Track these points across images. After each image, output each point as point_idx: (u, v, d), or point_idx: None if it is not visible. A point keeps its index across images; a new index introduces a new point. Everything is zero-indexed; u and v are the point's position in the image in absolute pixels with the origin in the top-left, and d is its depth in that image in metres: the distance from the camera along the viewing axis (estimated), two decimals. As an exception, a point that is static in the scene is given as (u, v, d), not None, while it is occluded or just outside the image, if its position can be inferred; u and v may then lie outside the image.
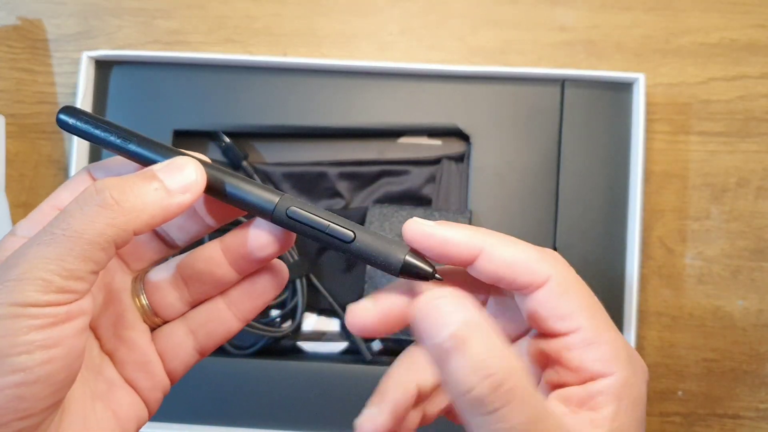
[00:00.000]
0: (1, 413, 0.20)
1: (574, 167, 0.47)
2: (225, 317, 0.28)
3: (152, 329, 0.28)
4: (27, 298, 0.21)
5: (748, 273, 0.49)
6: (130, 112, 0.48)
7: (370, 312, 0.25)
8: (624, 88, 0.48)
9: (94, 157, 0.48)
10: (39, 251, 0.21)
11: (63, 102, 0.50)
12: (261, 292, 0.28)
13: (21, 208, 0.50)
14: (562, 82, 0.48)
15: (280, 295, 0.47)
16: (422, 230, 0.24)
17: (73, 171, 0.46)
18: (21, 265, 0.21)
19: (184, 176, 0.23)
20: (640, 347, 0.49)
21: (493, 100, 0.47)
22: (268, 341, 0.47)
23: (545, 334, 0.25)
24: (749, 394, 0.49)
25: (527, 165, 0.47)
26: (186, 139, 0.49)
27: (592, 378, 0.23)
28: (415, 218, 0.25)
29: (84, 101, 0.47)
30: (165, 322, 0.28)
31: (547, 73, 0.47)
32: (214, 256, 0.27)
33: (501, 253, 0.24)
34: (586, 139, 0.47)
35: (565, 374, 0.24)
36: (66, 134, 0.50)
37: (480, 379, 0.20)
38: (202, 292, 0.28)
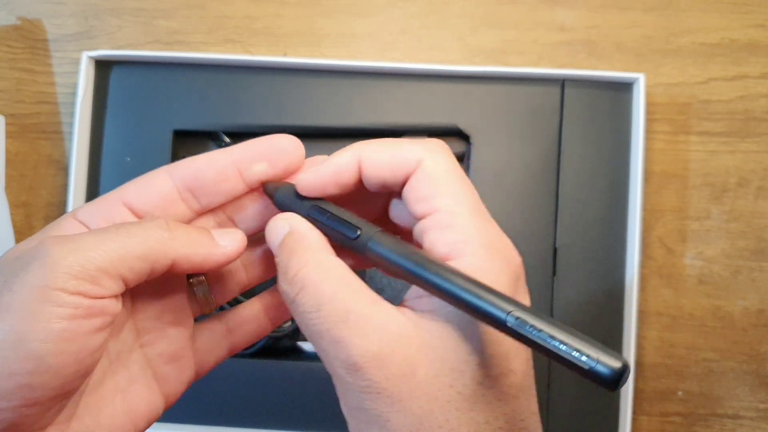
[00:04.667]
0: (10, 398, 0.20)
1: (574, 167, 0.47)
2: (260, 318, 0.30)
3: (196, 318, 0.29)
4: (57, 280, 0.21)
5: (748, 273, 0.49)
6: (130, 112, 0.48)
7: (321, 171, 0.26)
8: (624, 88, 0.47)
9: (94, 157, 0.48)
10: (84, 241, 0.22)
11: (63, 102, 0.50)
12: None
13: (21, 208, 0.50)
14: (562, 82, 0.48)
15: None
16: (314, 172, 0.26)
17: (73, 171, 0.46)
18: (62, 249, 0.21)
19: (230, 238, 0.26)
20: (640, 347, 0.49)
21: (493, 100, 0.47)
22: (267, 341, 0.47)
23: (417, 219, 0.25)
24: (749, 394, 0.49)
25: (527, 165, 0.47)
26: (186, 139, 0.49)
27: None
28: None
29: (84, 101, 0.47)
30: (213, 310, 0.29)
31: (547, 73, 0.47)
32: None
33: (378, 156, 0.25)
34: (586, 139, 0.47)
35: None
36: (66, 134, 0.50)
37: (284, 280, 0.24)
38: (258, 277, 0.30)
